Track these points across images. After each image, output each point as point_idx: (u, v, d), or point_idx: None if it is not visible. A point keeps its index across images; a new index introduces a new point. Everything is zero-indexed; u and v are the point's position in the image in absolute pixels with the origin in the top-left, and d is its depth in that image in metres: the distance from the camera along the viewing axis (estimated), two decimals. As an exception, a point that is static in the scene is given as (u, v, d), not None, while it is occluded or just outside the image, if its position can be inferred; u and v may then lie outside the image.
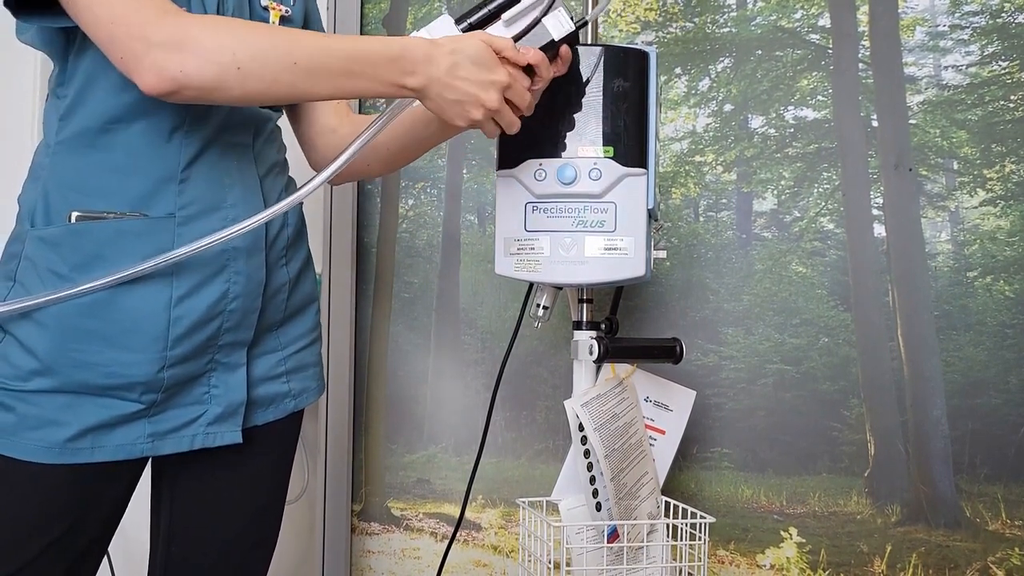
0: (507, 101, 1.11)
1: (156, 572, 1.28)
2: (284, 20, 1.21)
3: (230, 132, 1.15)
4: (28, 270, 1.08)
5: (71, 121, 1.08)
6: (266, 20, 1.19)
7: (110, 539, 1.19)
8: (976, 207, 1.77)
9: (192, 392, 1.15)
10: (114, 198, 1.08)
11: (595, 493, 1.42)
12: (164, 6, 0.98)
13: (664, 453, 1.55)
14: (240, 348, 1.18)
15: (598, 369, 1.49)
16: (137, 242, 1.07)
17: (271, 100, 1.03)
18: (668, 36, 1.89)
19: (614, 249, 1.33)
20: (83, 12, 0.97)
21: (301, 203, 1.24)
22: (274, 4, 1.19)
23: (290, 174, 1.31)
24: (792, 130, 1.84)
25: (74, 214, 1.07)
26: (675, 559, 1.52)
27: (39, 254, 1.08)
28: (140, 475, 1.20)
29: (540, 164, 1.34)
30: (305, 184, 1.10)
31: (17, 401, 1.07)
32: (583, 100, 1.33)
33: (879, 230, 1.79)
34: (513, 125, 1.14)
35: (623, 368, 1.51)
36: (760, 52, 1.85)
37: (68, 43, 1.08)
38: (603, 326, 1.51)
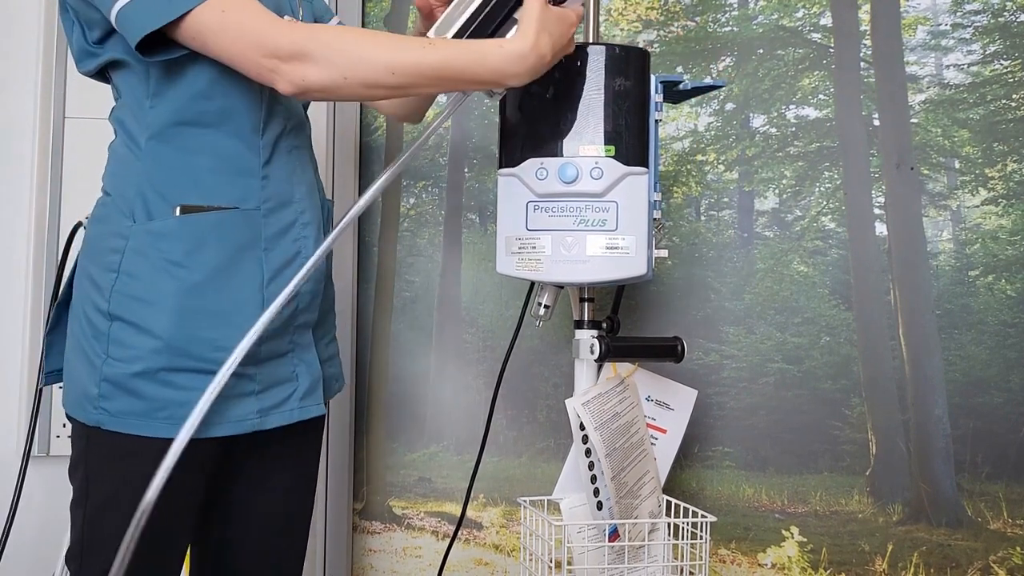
0: None
1: (208, 553, 1.37)
2: None
3: (292, 135, 1.30)
4: (136, 261, 1.20)
5: (160, 128, 1.21)
6: None
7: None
8: (978, 206, 1.77)
9: (283, 371, 1.28)
10: (211, 194, 1.21)
11: (596, 492, 1.42)
12: (280, 25, 1.15)
13: (665, 452, 1.55)
14: (308, 329, 1.31)
15: (599, 368, 1.48)
16: (234, 231, 1.22)
17: (372, 100, 1.23)
18: (670, 35, 1.89)
19: (615, 248, 1.33)
20: (216, 46, 1.15)
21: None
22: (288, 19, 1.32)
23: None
24: (794, 129, 1.84)
25: (177, 208, 1.20)
26: (676, 558, 1.52)
27: (148, 245, 1.20)
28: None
29: (541, 163, 1.34)
30: (394, 163, 1.21)
31: (143, 383, 1.18)
32: (584, 99, 1.33)
33: (880, 229, 1.79)
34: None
35: (624, 367, 1.51)
36: (762, 51, 1.85)
37: (153, 65, 1.20)
38: (604, 325, 1.50)
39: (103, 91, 1.37)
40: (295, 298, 1.26)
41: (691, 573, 1.49)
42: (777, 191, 1.84)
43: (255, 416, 1.24)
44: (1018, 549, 1.71)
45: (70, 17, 1.26)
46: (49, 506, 1.81)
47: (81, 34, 1.25)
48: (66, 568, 1.27)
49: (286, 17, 1.26)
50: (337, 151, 1.97)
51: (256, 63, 1.14)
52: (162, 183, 1.21)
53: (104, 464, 1.22)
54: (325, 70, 1.13)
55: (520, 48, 1.17)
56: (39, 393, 1.67)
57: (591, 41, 1.47)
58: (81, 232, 1.78)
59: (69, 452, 1.83)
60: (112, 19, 1.15)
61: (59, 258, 1.78)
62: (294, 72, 1.13)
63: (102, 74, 1.29)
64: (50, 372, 1.33)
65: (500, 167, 1.39)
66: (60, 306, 1.31)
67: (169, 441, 1.16)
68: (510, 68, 1.17)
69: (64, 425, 1.81)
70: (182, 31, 1.14)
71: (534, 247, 1.36)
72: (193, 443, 1.18)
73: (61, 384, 1.33)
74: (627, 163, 1.33)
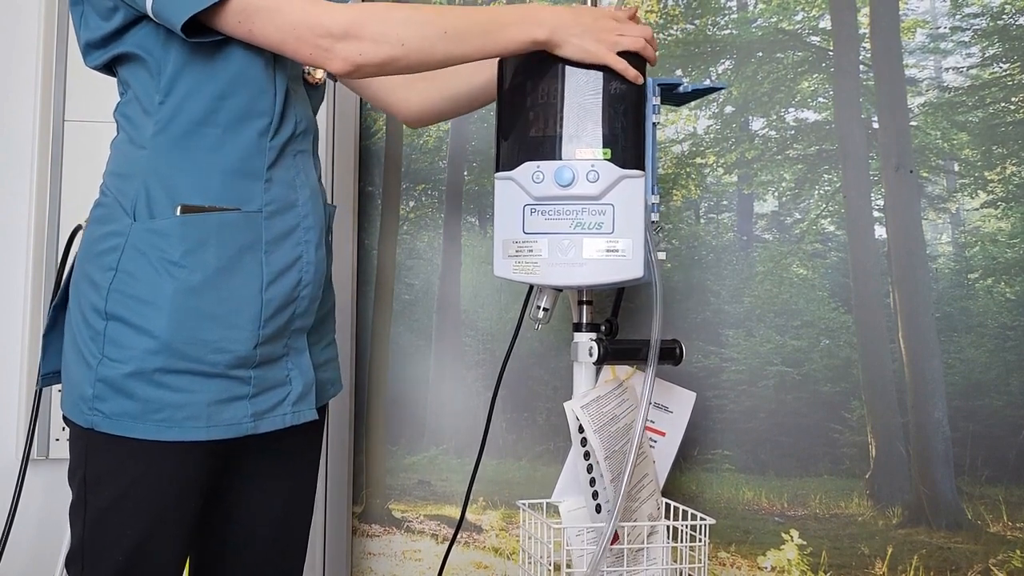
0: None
1: (207, 559, 1.36)
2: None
3: (298, 140, 1.29)
4: (135, 259, 1.19)
5: (169, 125, 1.21)
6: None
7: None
8: (977, 209, 1.77)
9: (276, 375, 1.26)
10: (214, 194, 1.20)
11: (595, 495, 1.42)
12: (330, 6, 1.16)
13: (665, 455, 1.55)
14: (303, 334, 1.30)
15: (598, 371, 1.48)
16: (235, 232, 1.21)
17: (428, 67, 1.23)
18: (669, 38, 1.89)
19: (612, 251, 1.33)
20: (264, 28, 1.15)
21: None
22: None
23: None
24: (793, 132, 1.84)
25: (178, 208, 1.19)
26: (675, 561, 1.52)
27: (148, 244, 1.19)
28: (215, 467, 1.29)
29: (538, 166, 1.34)
30: None
31: (138, 384, 1.16)
32: (581, 102, 1.33)
33: (880, 232, 1.79)
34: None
35: (623, 370, 1.51)
36: (761, 54, 1.85)
37: (166, 60, 1.20)
38: (603, 328, 1.50)
39: (103, 94, 1.37)
40: (293, 302, 1.26)
41: (690, 576, 1.49)
42: (776, 194, 1.84)
43: (249, 420, 1.23)
44: (1018, 552, 1.71)
45: (80, 9, 1.24)
46: (48, 509, 1.82)
47: (91, 26, 1.23)
48: (65, 571, 1.26)
49: None
50: (336, 155, 1.97)
51: (309, 43, 1.15)
52: (166, 181, 1.20)
53: (102, 467, 1.20)
54: (380, 45, 1.15)
55: (526, 10, 1.23)
56: (38, 395, 1.67)
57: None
58: (81, 235, 1.80)
59: (68, 455, 1.83)
60: (147, 6, 1.14)
61: (59, 260, 1.78)
62: (349, 50, 1.15)
63: (108, 67, 1.28)
64: (46, 374, 1.32)
65: (496, 170, 1.39)
66: (57, 307, 1.30)
67: (163, 444, 1.17)
68: (513, 23, 1.22)
69: (63, 428, 1.81)
70: (227, 14, 1.14)
71: (531, 250, 1.36)
72: (193, 446, 1.19)
73: (59, 387, 1.33)
74: (623, 166, 1.33)
